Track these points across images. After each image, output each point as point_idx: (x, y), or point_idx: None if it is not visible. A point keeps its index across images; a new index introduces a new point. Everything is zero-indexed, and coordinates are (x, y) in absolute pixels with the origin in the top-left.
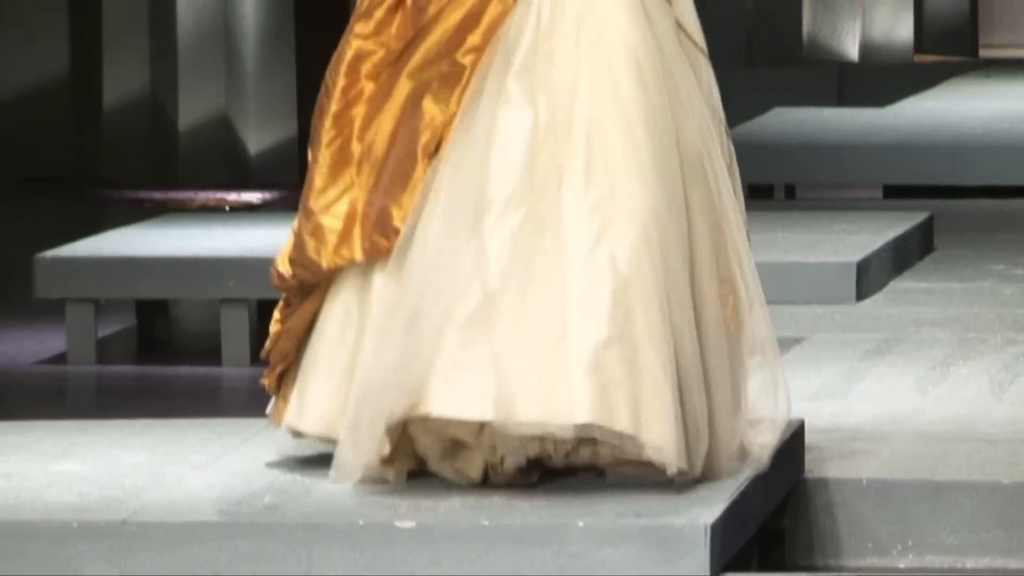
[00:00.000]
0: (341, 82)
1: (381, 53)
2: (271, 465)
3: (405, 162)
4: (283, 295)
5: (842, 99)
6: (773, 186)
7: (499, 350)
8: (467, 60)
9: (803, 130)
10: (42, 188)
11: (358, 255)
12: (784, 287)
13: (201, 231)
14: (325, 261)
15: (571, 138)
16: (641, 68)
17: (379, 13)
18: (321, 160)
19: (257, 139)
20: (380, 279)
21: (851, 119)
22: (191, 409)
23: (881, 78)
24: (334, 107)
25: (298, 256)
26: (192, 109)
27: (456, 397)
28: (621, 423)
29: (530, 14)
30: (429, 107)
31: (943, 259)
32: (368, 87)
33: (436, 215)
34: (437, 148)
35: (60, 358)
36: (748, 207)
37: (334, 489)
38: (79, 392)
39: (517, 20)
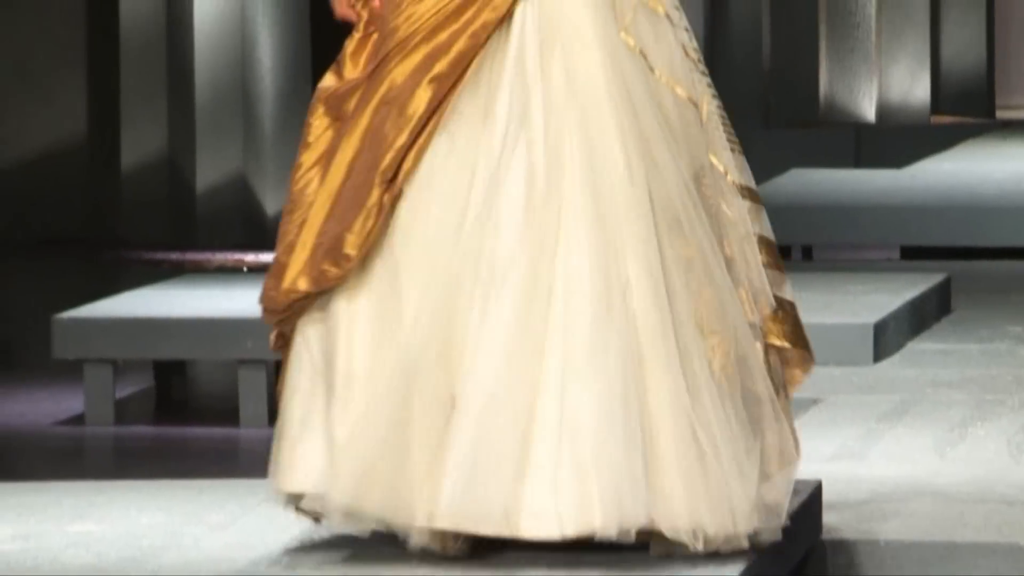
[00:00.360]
0: (315, 121)
1: (345, 86)
2: (288, 525)
3: (362, 189)
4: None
5: (859, 160)
6: (790, 247)
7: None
8: (431, 88)
9: (820, 191)
10: (60, 249)
11: (306, 285)
12: None
13: (219, 292)
14: (281, 296)
15: (567, 191)
16: (621, 120)
17: (349, 48)
18: (291, 197)
19: (275, 200)
20: (344, 314)
21: (868, 180)
22: (209, 470)
23: (898, 139)
24: (309, 137)
25: (262, 298)
26: (210, 170)
27: (463, 511)
28: (598, 523)
29: (507, 56)
30: (390, 131)
31: (960, 320)
32: (336, 126)
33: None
34: (395, 175)
35: (78, 419)
36: None
37: (352, 549)
38: (97, 453)
39: (494, 64)
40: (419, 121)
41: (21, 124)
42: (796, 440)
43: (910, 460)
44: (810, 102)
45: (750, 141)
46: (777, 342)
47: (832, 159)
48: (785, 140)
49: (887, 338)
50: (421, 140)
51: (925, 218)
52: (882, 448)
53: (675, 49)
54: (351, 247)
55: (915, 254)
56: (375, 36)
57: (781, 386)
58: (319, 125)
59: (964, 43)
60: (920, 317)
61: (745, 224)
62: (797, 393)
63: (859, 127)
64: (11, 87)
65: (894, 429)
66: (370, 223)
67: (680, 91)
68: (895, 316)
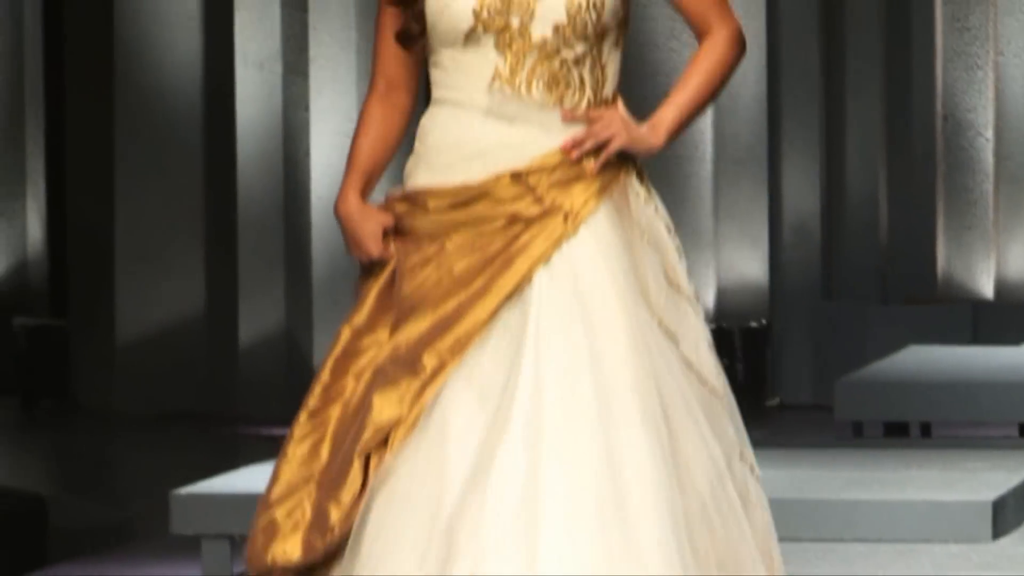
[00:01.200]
0: (325, 377)
1: (372, 353)
2: None
3: (345, 460)
4: None
5: (977, 337)
6: (908, 424)
7: None
8: (430, 364)
9: (938, 368)
10: (178, 423)
11: (296, 555)
12: (920, 526)
13: None
14: (269, 556)
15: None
16: (647, 414)
17: (371, 300)
18: (289, 454)
19: None
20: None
21: (986, 357)
22: None
23: (1016, 316)
24: (312, 402)
25: (249, 550)
26: (327, 346)
27: None
28: None
29: (521, 324)
30: (377, 402)
31: None
32: (350, 385)
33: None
34: (384, 442)
35: None
36: (883, 445)
37: None
38: None
39: (494, 354)
40: (410, 400)
41: (141, 299)
42: None
43: None
44: (928, 279)
45: (868, 317)
46: None
47: (950, 336)
48: (903, 316)
49: (1006, 515)
50: (404, 414)
51: None
52: None
53: (699, 330)
54: (335, 518)
55: None
56: (395, 287)
57: None
58: (331, 381)
59: None
60: None
61: (765, 514)
62: (916, 570)
63: (977, 304)
64: (131, 261)
65: None
66: (352, 495)
67: (709, 377)
68: (1014, 493)
